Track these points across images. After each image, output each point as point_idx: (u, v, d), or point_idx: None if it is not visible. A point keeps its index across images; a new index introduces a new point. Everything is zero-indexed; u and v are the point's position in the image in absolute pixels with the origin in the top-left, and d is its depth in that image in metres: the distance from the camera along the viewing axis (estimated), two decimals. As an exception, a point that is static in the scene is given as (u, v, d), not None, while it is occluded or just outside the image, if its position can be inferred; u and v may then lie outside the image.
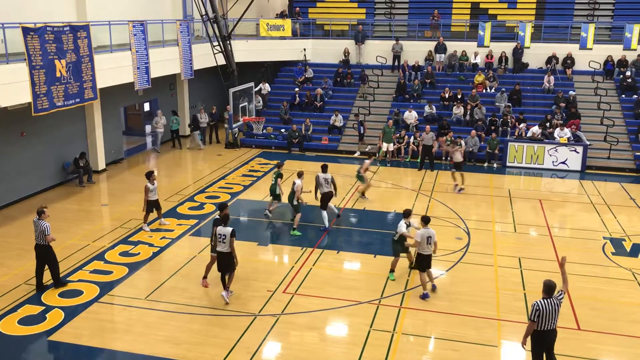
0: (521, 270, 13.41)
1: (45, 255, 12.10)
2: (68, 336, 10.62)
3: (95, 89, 18.05)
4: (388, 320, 11.21)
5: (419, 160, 22.37)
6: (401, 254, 12.82)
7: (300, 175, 15.94)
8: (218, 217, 12.20)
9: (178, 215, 16.86)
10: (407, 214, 12.71)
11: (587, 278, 13.08)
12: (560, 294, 8.74)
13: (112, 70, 19.31)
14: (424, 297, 11.92)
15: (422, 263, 11.99)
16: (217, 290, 12.25)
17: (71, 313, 11.37)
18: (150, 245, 14.63)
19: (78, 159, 19.77)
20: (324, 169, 15.97)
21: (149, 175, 15.33)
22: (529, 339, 8.85)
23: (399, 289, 12.42)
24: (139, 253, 14.21)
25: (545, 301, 8.62)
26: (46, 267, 12.24)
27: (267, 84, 27.65)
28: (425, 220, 12.02)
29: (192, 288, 12.44)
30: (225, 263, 11.64)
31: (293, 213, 15.91)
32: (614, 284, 12.85)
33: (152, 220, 15.90)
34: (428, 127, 22.55)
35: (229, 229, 11.44)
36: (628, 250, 14.78)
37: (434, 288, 12.27)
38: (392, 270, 12.88)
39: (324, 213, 15.81)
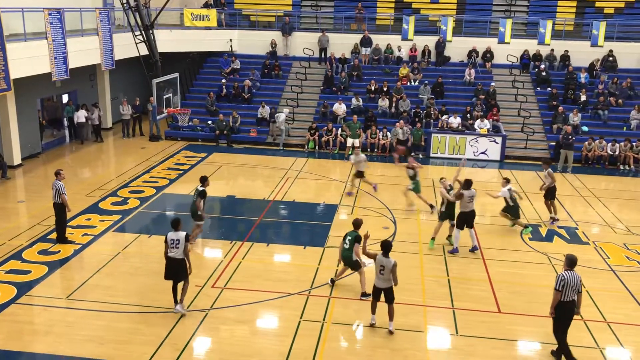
0: (445, 258, 13.85)
1: (58, 212, 13.66)
2: (-17, 340, 10.08)
3: (8, 79, 17.15)
4: (318, 310, 11.31)
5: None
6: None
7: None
8: (202, 188, 13.68)
9: (100, 210, 16.30)
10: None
11: (506, 263, 13.70)
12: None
13: (27, 60, 18.40)
14: None
15: None
16: (143, 289, 11.97)
17: (-14, 316, 10.79)
18: (72, 242, 14.06)
19: (-10, 153, 18.74)
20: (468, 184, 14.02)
21: None
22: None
23: (328, 279, 12.52)
24: (59, 251, 13.63)
25: (569, 273, 9.48)
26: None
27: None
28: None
29: (116, 286, 12.07)
30: (177, 270, 10.75)
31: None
32: (532, 268, 13.51)
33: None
34: (402, 122, 22.87)
35: (183, 234, 10.71)
36: (544, 235, 15.56)
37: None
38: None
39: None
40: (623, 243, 15.11)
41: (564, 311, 9.58)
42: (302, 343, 10.21)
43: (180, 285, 10.94)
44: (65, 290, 11.88)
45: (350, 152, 22.81)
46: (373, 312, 10.76)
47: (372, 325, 10.72)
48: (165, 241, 10.77)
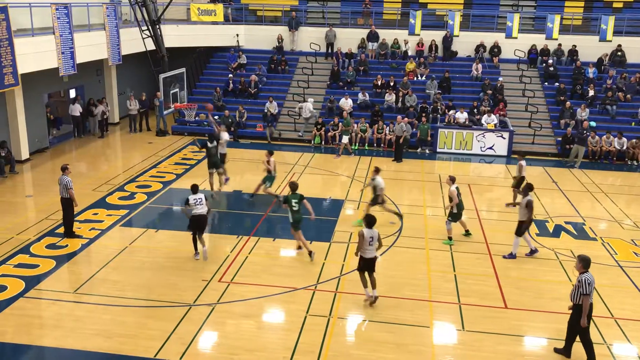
0: (451, 253, 13.83)
1: (66, 206, 13.70)
2: (-9, 334, 10.16)
3: (16, 74, 17.21)
4: (324, 305, 11.32)
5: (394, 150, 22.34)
6: None
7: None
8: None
9: (108, 205, 16.37)
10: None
11: (513, 259, 13.65)
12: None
13: (35, 55, 18.45)
14: None
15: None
16: (150, 283, 12.03)
17: (-6, 310, 10.87)
18: (79, 237, 14.13)
19: (-2, 148, 18.84)
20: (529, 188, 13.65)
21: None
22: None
23: (334, 274, 12.56)
24: (66, 245, 13.70)
25: (590, 275, 9.31)
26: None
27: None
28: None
29: (123, 280, 12.13)
30: (203, 224, 12.93)
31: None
32: (538, 263, 13.47)
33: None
34: (400, 117, 22.82)
35: (203, 194, 12.96)
36: (551, 231, 15.50)
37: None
38: None
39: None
40: (631, 239, 15.05)
41: (590, 312, 9.47)
42: (308, 337, 10.23)
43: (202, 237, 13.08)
44: (72, 285, 11.95)
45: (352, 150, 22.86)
46: (365, 285, 11.25)
47: (371, 298, 11.18)
48: (187, 203, 12.79)
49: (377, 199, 15.14)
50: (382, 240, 11.30)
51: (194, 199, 12.81)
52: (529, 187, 13.57)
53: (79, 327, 10.37)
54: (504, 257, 13.60)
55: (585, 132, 21.79)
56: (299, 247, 13.51)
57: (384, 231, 14.93)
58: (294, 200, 12.96)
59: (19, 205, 16.61)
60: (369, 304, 11.23)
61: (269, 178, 16.65)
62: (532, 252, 13.75)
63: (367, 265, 11.17)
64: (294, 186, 13.32)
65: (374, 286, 11.23)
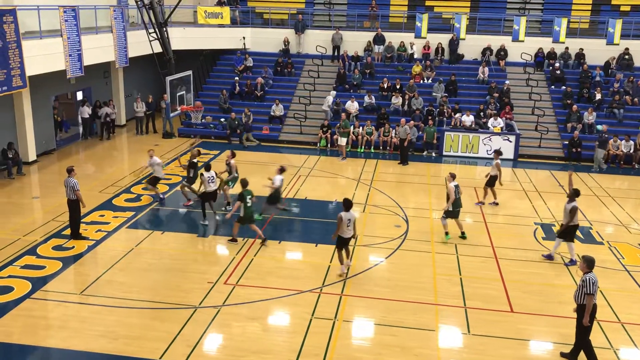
0: (457, 256, 13.80)
1: (72, 208, 13.82)
2: (-2, 335, 10.20)
3: (24, 76, 17.31)
4: (329, 308, 11.31)
5: (399, 153, 22.17)
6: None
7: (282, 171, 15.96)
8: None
9: (114, 207, 16.42)
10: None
11: (519, 262, 13.62)
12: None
13: (42, 57, 18.56)
14: None
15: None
16: (156, 285, 12.06)
17: (1, 310, 10.89)
18: (85, 238, 14.18)
19: (6, 149, 18.92)
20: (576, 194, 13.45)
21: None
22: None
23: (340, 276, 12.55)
24: (73, 247, 13.75)
25: (594, 275, 9.35)
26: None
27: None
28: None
29: (129, 282, 12.16)
30: (213, 197, 15.17)
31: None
32: (545, 267, 13.42)
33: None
34: (403, 120, 22.78)
35: (214, 172, 15.14)
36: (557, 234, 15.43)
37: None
38: None
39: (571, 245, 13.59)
40: (638, 243, 14.97)
41: (594, 313, 9.45)
42: (313, 340, 10.22)
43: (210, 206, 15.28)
44: (79, 286, 11.99)
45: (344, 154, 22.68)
46: (342, 262, 12.58)
47: (342, 275, 12.52)
48: (201, 176, 15.02)
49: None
50: (356, 227, 12.58)
51: (208, 176, 14.88)
52: (576, 193, 13.42)
53: (84, 329, 10.41)
54: (566, 264, 13.47)
55: (604, 134, 21.77)
56: (234, 240, 14.19)
57: (390, 234, 14.96)
58: (248, 197, 13.79)
59: (26, 206, 16.68)
60: (343, 275, 12.55)
61: (232, 179, 16.75)
62: (550, 257, 13.74)
63: (344, 243, 12.54)
64: (245, 182, 14.08)
65: (348, 256, 12.78)
